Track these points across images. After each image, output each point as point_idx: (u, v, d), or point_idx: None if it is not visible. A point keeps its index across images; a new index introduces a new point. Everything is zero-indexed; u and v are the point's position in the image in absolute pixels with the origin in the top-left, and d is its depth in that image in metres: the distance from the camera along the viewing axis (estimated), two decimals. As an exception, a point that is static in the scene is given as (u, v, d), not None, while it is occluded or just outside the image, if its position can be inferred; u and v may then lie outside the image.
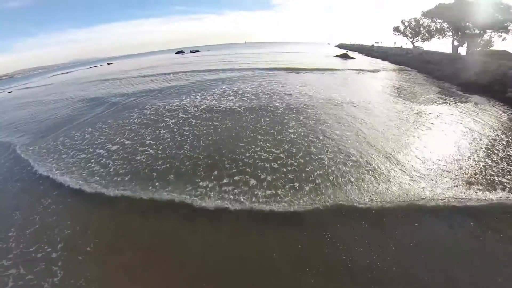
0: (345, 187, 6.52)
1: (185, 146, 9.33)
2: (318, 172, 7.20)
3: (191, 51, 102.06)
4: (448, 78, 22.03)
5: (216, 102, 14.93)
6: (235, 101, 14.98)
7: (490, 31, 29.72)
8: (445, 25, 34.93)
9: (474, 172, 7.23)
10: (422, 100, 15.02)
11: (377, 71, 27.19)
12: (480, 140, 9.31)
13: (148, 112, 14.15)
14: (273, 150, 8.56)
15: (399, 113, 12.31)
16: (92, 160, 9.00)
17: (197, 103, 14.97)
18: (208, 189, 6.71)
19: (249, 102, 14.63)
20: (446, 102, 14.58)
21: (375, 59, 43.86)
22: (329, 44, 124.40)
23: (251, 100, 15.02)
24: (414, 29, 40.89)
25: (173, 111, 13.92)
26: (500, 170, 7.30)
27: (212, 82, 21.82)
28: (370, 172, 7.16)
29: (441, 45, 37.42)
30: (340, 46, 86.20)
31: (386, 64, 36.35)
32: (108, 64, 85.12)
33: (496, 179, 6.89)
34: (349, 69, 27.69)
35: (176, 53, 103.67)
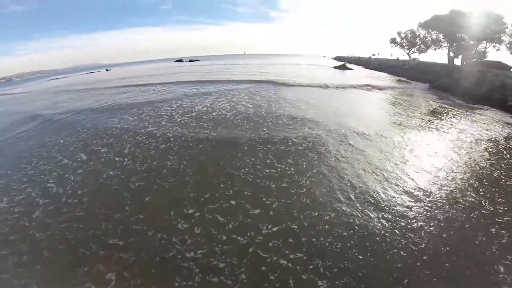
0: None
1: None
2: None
3: (190, 60, 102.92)
4: (447, 88, 21.85)
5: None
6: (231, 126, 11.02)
7: (485, 42, 30.04)
8: (441, 36, 35.39)
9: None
10: (431, 111, 14.28)
11: (378, 87, 23.61)
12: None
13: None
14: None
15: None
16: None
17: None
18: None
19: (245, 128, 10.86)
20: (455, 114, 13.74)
21: (372, 70, 44.23)
22: (324, 56, 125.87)
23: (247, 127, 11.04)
24: (411, 41, 41.40)
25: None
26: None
27: (203, 95, 18.22)
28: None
29: (435, 56, 37.91)
30: (337, 58, 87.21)
31: (383, 75, 36.54)
32: (107, 70, 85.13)
33: None
34: (349, 83, 24.54)
35: (175, 61, 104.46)
